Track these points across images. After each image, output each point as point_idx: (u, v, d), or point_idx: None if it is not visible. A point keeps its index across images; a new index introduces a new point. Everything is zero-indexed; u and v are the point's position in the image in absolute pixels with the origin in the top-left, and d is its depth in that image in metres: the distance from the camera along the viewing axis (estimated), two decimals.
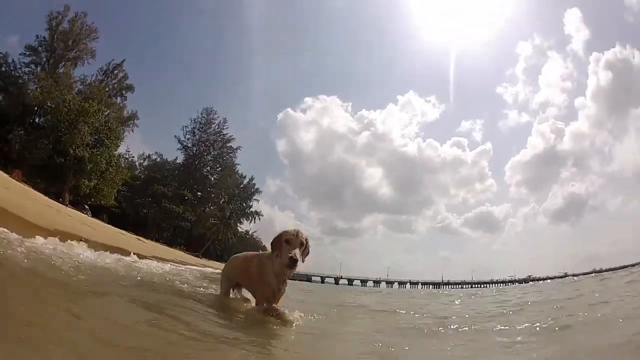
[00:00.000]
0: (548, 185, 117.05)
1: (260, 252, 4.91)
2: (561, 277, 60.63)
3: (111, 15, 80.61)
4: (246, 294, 5.12)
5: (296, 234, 4.23)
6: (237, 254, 5.46)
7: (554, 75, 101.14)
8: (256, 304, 4.56)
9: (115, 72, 47.08)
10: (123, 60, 48.39)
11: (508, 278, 70.94)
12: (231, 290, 5.23)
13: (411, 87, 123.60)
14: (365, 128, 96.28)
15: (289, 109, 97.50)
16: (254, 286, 4.65)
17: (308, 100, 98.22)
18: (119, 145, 43.43)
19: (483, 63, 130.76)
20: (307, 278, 64.14)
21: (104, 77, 46.34)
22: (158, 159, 57.43)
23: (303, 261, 4.28)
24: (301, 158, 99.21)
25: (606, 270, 53.42)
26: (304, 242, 4.27)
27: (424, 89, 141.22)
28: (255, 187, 67.38)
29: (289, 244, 4.17)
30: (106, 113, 41.60)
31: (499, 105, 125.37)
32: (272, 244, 4.34)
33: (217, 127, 65.93)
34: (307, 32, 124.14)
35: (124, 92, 46.96)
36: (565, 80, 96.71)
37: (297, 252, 4.11)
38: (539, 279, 63.77)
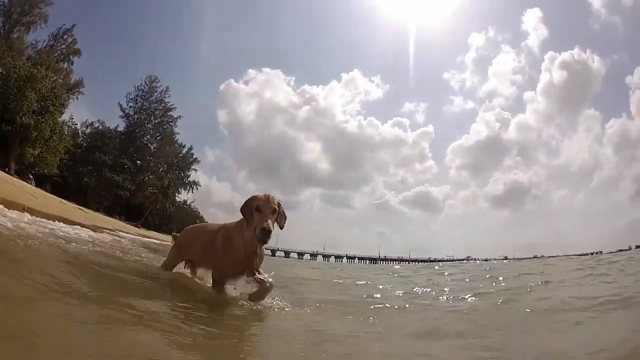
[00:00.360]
0: (489, 171, 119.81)
1: (225, 223, 4.25)
2: (502, 260, 60.81)
3: None
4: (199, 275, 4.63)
5: (267, 198, 3.71)
6: (194, 226, 4.92)
7: (504, 67, 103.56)
8: (214, 283, 3.98)
9: (65, 37, 46.10)
10: (73, 25, 47.41)
11: (446, 257, 71.68)
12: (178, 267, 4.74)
13: (356, 66, 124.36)
14: (306, 103, 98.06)
15: (232, 80, 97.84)
16: (217, 262, 4.01)
17: (251, 72, 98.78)
18: (64, 113, 43.04)
19: (433, 49, 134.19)
20: None
21: (54, 42, 45.31)
22: (100, 127, 56.67)
23: (281, 228, 3.87)
24: (241, 129, 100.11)
25: (546, 257, 54.54)
26: (277, 208, 3.75)
27: (369, 69, 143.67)
28: (194, 156, 68.04)
29: (260, 212, 3.63)
30: (53, 79, 40.98)
31: (444, 90, 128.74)
32: (241, 211, 3.76)
33: (159, 95, 65.39)
34: (256, 4, 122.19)
35: (71, 56, 46.06)
36: (516, 73, 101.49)
37: (269, 221, 3.58)
38: (477, 260, 63.55)
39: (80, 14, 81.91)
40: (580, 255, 50.87)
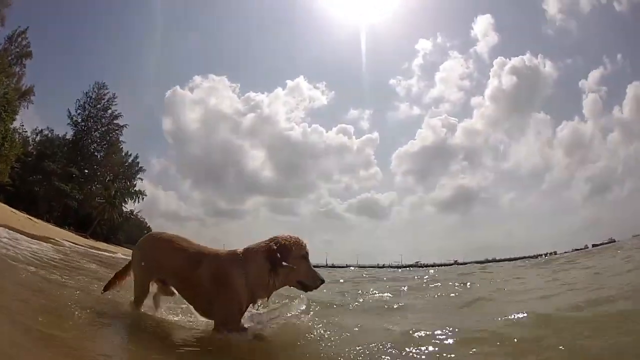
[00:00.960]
0: (436, 176, 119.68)
1: (203, 247, 3.41)
2: (450, 265, 62.76)
3: None
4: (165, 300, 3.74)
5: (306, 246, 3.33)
6: (160, 236, 3.65)
7: (452, 73, 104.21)
8: (215, 327, 3.21)
9: (19, 39, 44.91)
10: (27, 28, 46.61)
11: (395, 263, 72.09)
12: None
13: (302, 73, 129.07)
14: (251, 110, 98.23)
15: (178, 87, 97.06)
16: (208, 300, 3.22)
17: (197, 78, 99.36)
18: (15, 119, 41.91)
19: (380, 55, 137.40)
20: None
21: (8, 44, 44.18)
22: (49, 134, 55.02)
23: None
24: (186, 137, 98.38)
25: (500, 260, 57.24)
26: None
27: (314, 76, 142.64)
28: (140, 165, 67.30)
29: (307, 259, 3.30)
30: (6, 84, 39.97)
31: (390, 97, 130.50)
32: (282, 253, 3.15)
33: (106, 102, 64.38)
34: (202, 10, 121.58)
35: (23, 59, 44.84)
36: (464, 79, 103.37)
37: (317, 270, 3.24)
38: (426, 265, 64.95)
39: (30, 17, 78.08)
40: (535, 256, 53.07)
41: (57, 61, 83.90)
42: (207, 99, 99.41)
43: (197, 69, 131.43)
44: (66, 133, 58.81)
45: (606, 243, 51.44)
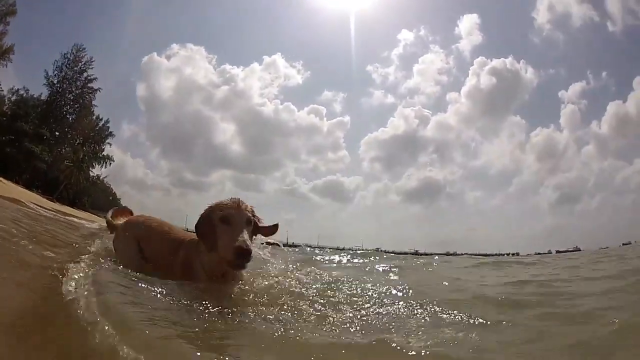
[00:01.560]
0: (404, 166, 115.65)
1: (184, 234, 3.51)
2: (412, 254, 61.47)
3: None
4: None
5: (237, 205, 2.97)
6: (151, 219, 3.80)
7: (431, 66, 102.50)
8: None
9: None
10: None
11: (355, 247, 66.87)
12: None
13: (279, 50, 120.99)
14: (225, 82, 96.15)
15: (155, 54, 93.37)
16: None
17: (175, 47, 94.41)
18: None
19: (360, 41, 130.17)
20: None
21: None
22: (25, 94, 54.61)
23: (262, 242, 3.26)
24: (158, 105, 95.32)
25: (460, 254, 54.06)
26: (251, 216, 3.02)
27: (292, 54, 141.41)
28: (110, 130, 67.02)
29: (229, 224, 2.88)
30: None
31: (366, 82, 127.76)
32: (197, 228, 3.03)
33: (83, 65, 64.02)
34: None
35: (7, 17, 44.56)
36: (442, 74, 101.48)
37: (245, 236, 2.78)
38: (387, 252, 62.39)
39: None
40: (498, 255, 54.35)
41: (40, 21, 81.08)
42: (183, 68, 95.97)
43: (176, 37, 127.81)
44: (41, 94, 58.55)
45: (571, 250, 53.20)
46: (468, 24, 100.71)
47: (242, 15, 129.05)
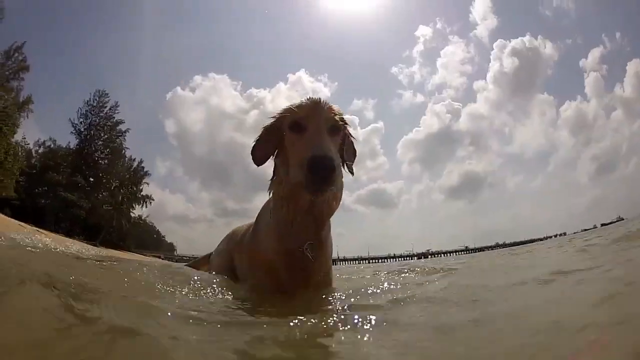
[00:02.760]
0: (443, 163, 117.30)
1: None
2: (462, 251, 64.52)
3: None
4: None
5: (314, 104, 2.11)
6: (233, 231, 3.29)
7: (453, 58, 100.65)
8: None
9: (16, 54, 45.04)
10: (24, 43, 46.61)
11: (406, 252, 71.52)
12: None
13: (303, 66, 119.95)
14: (254, 107, 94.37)
15: (178, 88, 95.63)
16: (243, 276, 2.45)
17: (197, 78, 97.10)
18: (16, 132, 42.16)
19: (380, 44, 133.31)
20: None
21: (5, 59, 44.24)
22: (52, 145, 55.45)
23: (351, 173, 2.30)
24: (190, 138, 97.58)
25: (508, 245, 56.87)
26: (338, 122, 2.14)
27: (316, 68, 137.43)
28: (145, 170, 67.29)
29: (303, 131, 2.03)
30: (5, 98, 40.15)
31: (393, 85, 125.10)
32: (254, 151, 2.29)
33: (109, 110, 64.71)
34: (194, 7, 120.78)
35: (20, 73, 44.88)
36: (465, 64, 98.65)
37: (323, 142, 1.90)
38: (438, 253, 67.36)
39: (25, 27, 78.27)
40: (544, 238, 53.41)
41: (55, 68, 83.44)
42: (209, 98, 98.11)
43: (196, 68, 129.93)
44: (69, 142, 59.28)
45: (615, 221, 50.15)
46: (481, 8, 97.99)
47: (259, 38, 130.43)
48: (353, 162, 2.38)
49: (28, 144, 51.24)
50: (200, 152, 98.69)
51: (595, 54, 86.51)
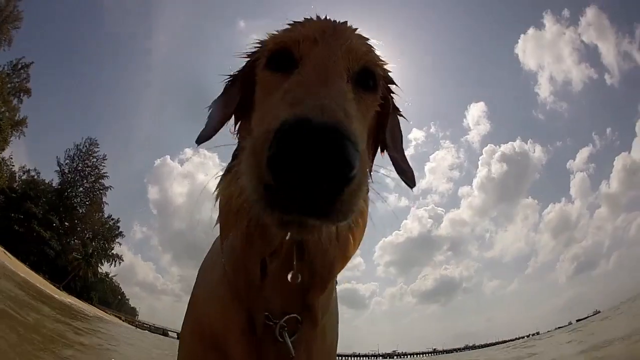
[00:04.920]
0: (419, 267, 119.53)
1: None
2: (430, 353, 66.99)
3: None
4: None
5: (324, 24, 1.01)
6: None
7: (442, 163, 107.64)
8: None
9: (22, 71, 45.81)
10: (32, 62, 47.25)
11: (370, 352, 72.11)
12: None
13: None
14: None
15: (168, 157, 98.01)
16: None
17: (188, 151, 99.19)
18: (4, 149, 41.21)
19: None
20: (164, 332, 62.51)
21: (11, 71, 44.84)
22: (36, 176, 54.02)
23: (401, 153, 1.24)
24: (170, 210, 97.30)
25: (479, 347, 59.92)
26: (375, 62, 1.03)
27: None
28: (120, 230, 64.96)
29: (291, 68, 0.91)
30: (2, 110, 39.97)
31: (379, 187, 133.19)
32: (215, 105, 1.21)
33: (96, 161, 63.98)
34: (206, 85, 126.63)
35: (21, 94, 45.21)
36: (454, 169, 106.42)
37: (331, 87, 0.76)
38: (404, 354, 69.07)
39: (36, 50, 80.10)
40: (515, 339, 55.19)
41: (55, 101, 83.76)
42: (196, 174, 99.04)
43: (189, 141, 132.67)
44: (52, 180, 57.70)
45: (591, 316, 52.12)
46: (476, 113, 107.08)
47: None
48: (404, 155, 1.31)
49: (13, 166, 49.98)
50: (179, 227, 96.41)
51: (583, 153, 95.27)
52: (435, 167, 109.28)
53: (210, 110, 1.19)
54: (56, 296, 34.60)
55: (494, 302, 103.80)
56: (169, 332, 65.13)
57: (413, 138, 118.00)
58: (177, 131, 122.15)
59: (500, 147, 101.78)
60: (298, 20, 1.02)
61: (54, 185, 56.91)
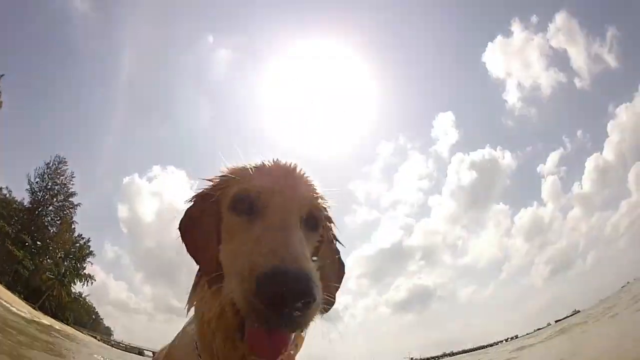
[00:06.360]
0: (392, 277, 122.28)
1: None
2: None
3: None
4: None
5: (282, 170, 1.28)
6: None
7: (411, 174, 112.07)
8: None
9: None
10: (1, 75, 47.26)
11: None
12: None
13: None
14: None
15: (136, 175, 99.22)
16: None
17: (156, 169, 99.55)
18: None
19: (340, 159, 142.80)
20: (139, 352, 61.85)
21: None
22: (7, 195, 53.04)
23: (337, 282, 1.46)
24: (140, 229, 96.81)
25: (456, 353, 60.66)
26: (320, 207, 1.30)
27: None
28: (90, 249, 64.32)
29: (257, 213, 1.16)
30: None
31: (349, 200, 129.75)
32: (181, 231, 1.36)
33: (65, 179, 63.24)
34: (176, 102, 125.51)
35: None
36: (423, 179, 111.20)
37: (293, 239, 1.05)
38: None
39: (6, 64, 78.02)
40: (493, 344, 55.68)
41: (25, 117, 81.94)
42: (165, 192, 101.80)
43: (157, 158, 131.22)
44: (24, 198, 56.80)
45: (570, 316, 52.95)
46: (444, 123, 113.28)
47: (226, 140, 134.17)
48: (340, 283, 1.47)
49: None
50: (149, 245, 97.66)
51: (554, 157, 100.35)
52: (405, 178, 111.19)
53: (186, 237, 1.33)
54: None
55: (470, 308, 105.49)
56: (145, 351, 64.52)
57: (381, 150, 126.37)
58: (146, 147, 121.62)
59: (469, 155, 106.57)
60: (256, 166, 1.27)
61: (25, 204, 56.00)
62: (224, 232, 1.22)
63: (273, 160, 1.31)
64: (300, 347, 1.40)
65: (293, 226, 1.10)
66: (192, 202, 1.37)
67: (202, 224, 1.29)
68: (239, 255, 1.04)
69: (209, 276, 1.18)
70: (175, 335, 1.58)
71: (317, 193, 1.29)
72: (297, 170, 1.30)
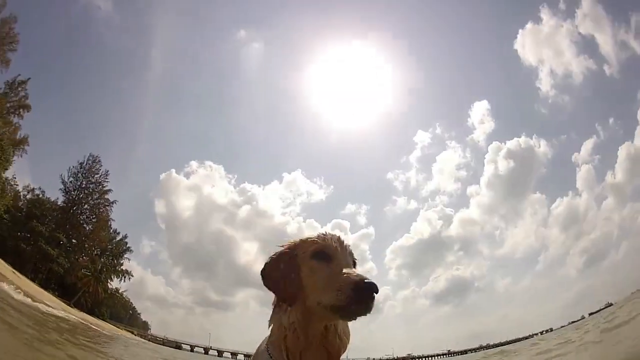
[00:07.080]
0: (431, 268, 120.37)
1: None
2: (445, 355, 68.04)
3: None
4: None
5: (338, 238, 1.89)
6: None
7: (449, 164, 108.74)
8: None
9: (19, 88, 46.64)
10: (28, 79, 48.25)
11: (385, 357, 72.88)
12: None
13: (300, 166, 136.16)
14: (246, 202, 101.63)
15: (174, 170, 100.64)
16: None
17: (194, 164, 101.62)
18: (7, 169, 41.89)
19: (378, 150, 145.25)
20: (177, 345, 62.74)
21: (9, 90, 45.73)
22: (40, 195, 54.72)
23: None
24: (178, 224, 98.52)
25: (493, 346, 59.79)
26: (355, 259, 1.92)
27: (312, 170, 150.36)
28: (128, 245, 66.11)
29: (328, 260, 1.77)
30: (2, 131, 40.61)
31: (388, 191, 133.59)
32: (265, 274, 1.79)
33: (99, 177, 64.87)
34: (210, 96, 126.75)
35: (21, 110, 45.98)
36: (461, 169, 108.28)
37: (355, 270, 1.70)
38: (419, 357, 69.78)
39: (34, 67, 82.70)
40: (530, 336, 55.66)
41: (56, 118, 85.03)
42: (203, 186, 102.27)
43: (195, 154, 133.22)
44: (57, 198, 58.44)
45: (603, 308, 51.83)
46: (479, 112, 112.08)
47: (260, 134, 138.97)
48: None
49: (17, 185, 50.88)
50: (187, 240, 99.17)
51: (588, 145, 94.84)
52: (443, 168, 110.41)
53: (270, 275, 1.80)
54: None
55: (507, 300, 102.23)
56: (182, 345, 65.52)
57: (419, 140, 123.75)
58: (182, 142, 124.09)
59: (505, 144, 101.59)
60: (326, 234, 1.86)
61: (59, 203, 57.71)
62: (306, 272, 1.77)
63: (327, 233, 1.91)
64: (349, 335, 1.90)
65: (351, 265, 1.80)
66: (276, 256, 1.86)
67: (284, 270, 1.79)
68: (328, 280, 1.67)
69: (292, 303, 1.72)
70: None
71: (351, 249, 1.93)
72: (343, 237, 1.94)
